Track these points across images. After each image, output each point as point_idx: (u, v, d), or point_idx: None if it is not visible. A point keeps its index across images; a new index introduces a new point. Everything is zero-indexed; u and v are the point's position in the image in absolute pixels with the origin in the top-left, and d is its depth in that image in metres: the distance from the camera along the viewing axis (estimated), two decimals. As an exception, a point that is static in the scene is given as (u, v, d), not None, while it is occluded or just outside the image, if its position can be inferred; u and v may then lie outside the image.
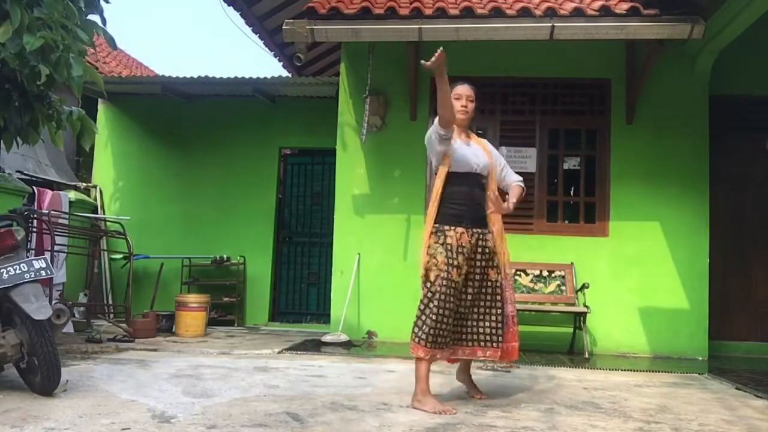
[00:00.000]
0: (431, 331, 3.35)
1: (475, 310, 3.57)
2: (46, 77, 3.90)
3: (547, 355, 5.83)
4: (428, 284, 3.43)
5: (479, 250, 3.54)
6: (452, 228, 3.47)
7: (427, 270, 3.44)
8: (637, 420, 3.33)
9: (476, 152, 3.65)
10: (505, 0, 5.92)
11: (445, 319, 3.38)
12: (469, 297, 3.53)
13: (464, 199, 3.54)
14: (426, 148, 3.77)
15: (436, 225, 3.49)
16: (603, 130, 6.59)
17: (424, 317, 3.40)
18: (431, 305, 3.38)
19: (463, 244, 3.46)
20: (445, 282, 3.38)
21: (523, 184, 3.80)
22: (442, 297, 3.36)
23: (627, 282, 6.35)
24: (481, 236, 3.54)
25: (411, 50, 6.34)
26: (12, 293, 3.28)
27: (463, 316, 3.54)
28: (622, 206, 6.44)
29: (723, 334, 6.63)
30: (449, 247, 3.43)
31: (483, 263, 3.56)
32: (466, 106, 3.64)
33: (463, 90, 3.66)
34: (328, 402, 3.46)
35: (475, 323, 3.57)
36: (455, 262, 3.41)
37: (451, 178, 3.53)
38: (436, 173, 3.61)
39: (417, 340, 3.40)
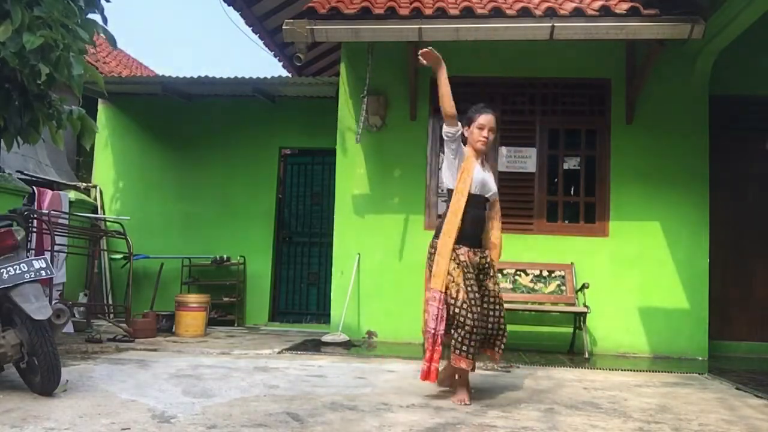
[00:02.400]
0: (467, 341, 3.52)
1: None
2: (46, 76, 3.90)
3: (547, 355, 5.83)
4: (451, 300, 3.57)
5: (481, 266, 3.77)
6: (461, 247, 3.65)
7: (448, 286, 3.58)
8: (637, 420, 3.33)
9: (490, 179, 3.83)
10: (505, 0, 5.92)
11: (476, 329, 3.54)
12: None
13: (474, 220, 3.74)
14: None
15: (456, 244, 3.63)
16: (603, 130, 6.59)
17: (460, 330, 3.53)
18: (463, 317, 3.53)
19: (470, 262, 3.68)
20: (467, 295, 3.56)
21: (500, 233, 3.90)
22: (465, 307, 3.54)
23: (627, 282, 6.35)
24: (482, 255, 3.78)
25: (411, 50, 6.32)
26: (12, 293, 3.28)
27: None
28: (622, 206, 6.44)
29: (723, 334, 6.63)
30: (464, 264, 3.62)
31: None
32: (487, 137, 3.77)
33: (486, 120, 3.77)
34: (328, 402, 3.46)
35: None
36: (471, 275, 3.63)
37: (470, 198, 3.69)
38: (449, 191, 3.73)
39: (459, 353, 3.53)
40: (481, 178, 3.73)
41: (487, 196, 3.79)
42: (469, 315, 3.49)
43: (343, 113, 6.83)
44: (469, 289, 3.55)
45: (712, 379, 4.99)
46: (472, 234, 3.72)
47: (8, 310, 3.41)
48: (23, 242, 3.64)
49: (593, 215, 6.55)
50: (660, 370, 5.41)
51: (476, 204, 3.72)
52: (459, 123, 3.69)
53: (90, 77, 4.59)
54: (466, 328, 3.49)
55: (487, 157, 4.02)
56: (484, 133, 3.74)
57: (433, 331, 3.56)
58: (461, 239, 3.64)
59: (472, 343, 3.50)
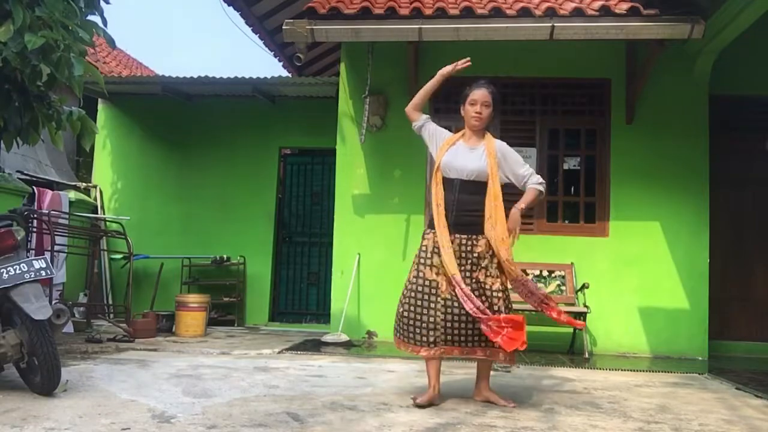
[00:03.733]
0: (400, 326, 3.58)
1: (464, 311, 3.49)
2: (47, 76, 3.90)
3: (547, 355, 5.82)
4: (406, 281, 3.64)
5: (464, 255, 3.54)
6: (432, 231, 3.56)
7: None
8: (637, 420, 3.33)
9: (468, 158, 3.57)
10: (505, 0, 5.92)
11: (412, 315, 3.52)
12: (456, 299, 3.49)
13: (449, 204, 3.55)
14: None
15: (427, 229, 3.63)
16: (603, 130, 6.59)
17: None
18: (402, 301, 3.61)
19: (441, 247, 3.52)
20: (415, 280, 3.57)
21: (540, 187, 3.70)
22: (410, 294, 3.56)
23: (627, 282, 6.35)
24: (467, 241, 3.54)
25: (411, 50, 6.34)
26: (12, 293, 3.27)
27: (454, 317, 3.51)
28: (622, 206, 6.44)
29: (723, 334, 6.63)
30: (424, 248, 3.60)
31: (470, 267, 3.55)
32: (480, 113, 3.58)
33: (480, 95, 3.58)
34: (328, 402, 3.46)
35: (464, 325, 3.52)
36: (428, 262, 3.55)
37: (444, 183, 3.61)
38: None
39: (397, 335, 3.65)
40: (446, 161, 3.55)
41: (462, 178, 3.52)
42: (403, 301, 3.57)
43: (343, 113, 6.83)
44: (418, 273, 3.56)
45: (712, 379, 4.99)
46: (454, 219, 3.53)
47: (8, 310, 3.41)
48: (23, 242, 3.64)
49: (593, 215, 6.54)
50: (660, 370, 5.41)
51: (452, 188, 3.54)
52: (422, 115, 3.74)
53: (91, 77, 4.60)
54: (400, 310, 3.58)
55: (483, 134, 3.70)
56: (477, 108, 3.55)
57: None
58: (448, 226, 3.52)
59: (402, 327, 3.54)
